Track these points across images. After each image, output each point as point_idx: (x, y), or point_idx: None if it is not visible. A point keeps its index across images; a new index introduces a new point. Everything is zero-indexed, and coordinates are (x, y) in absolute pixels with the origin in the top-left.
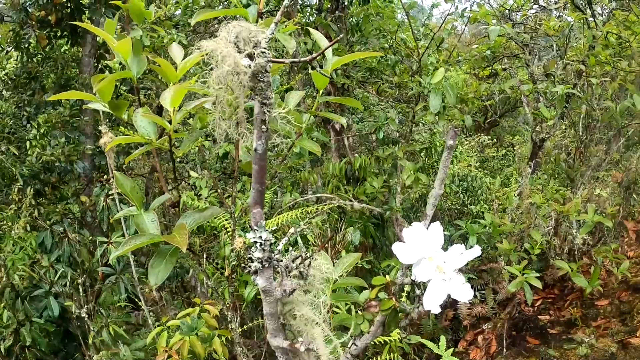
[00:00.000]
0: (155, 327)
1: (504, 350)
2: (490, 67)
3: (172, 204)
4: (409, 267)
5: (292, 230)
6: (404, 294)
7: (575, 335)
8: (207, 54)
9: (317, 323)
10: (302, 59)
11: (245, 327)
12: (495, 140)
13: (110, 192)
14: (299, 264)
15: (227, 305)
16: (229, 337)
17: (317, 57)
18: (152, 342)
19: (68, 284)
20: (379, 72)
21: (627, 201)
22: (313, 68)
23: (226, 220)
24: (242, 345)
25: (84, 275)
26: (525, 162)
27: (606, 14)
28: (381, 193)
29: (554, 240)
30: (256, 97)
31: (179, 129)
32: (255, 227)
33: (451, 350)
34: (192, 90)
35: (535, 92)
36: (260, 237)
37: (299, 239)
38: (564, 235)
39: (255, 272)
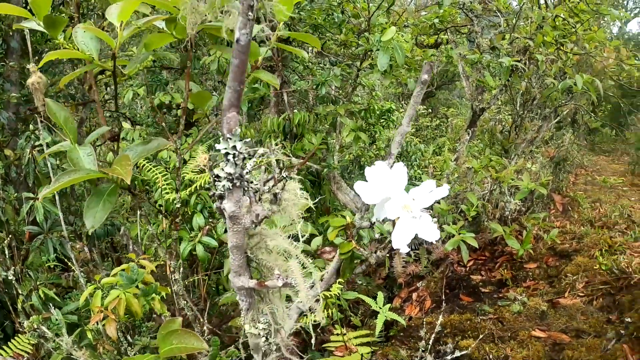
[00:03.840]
0: (88, 289)
1: (443, 303)
2: (437, 36)
3: (112, 137)
4: (368, 209)
5: (261, 150)
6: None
7: (507, 294)
8: None
9: (294, 255)
10: None
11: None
12: (430, 110)
13: (36, 144)
14: (272, 186)
15: (170, 251)
16: (165, 295)
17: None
18: (86, 303)
19: None
20: (324, 29)
21: (557, 176)
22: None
23: (160, 172)
24: (186, 299)
25: (9, 236)
26: (464, 130)
27: None
28: (320, 150)
29: (487, 204)
30: None
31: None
32: (228, 135)
33: (388, 305)
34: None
35: (479, 63)
36: (233, 147)
37: (272, 159)
38: (496, 202)
39: (221, 197)
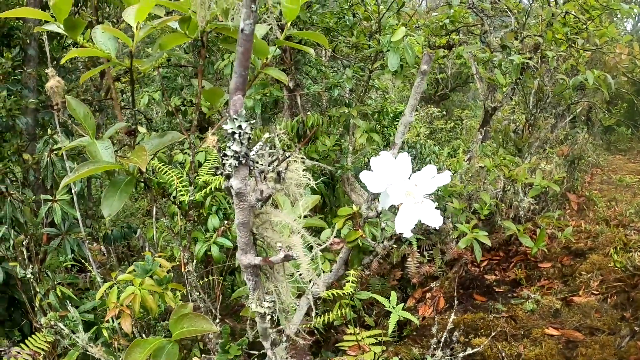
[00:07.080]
0: (104, 285)
1: (456, 302)
2: (448, 36)
3: (128, 132)
4: (374, 199)
5: (266, 135)
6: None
7: (521, 293)
8: None
9: (296, 230)
10: None
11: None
12: (444, 113)
13: (54, 147)
14: (276, 165)
15: (184, 246)
16: (180, 294)
17: None
18: (102, 303)
19: (11, 247)
20: (336, 32)
21: (571, 175)
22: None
23: (175, 175)
24: (199, 290)
25: (28, 238)
26: (476, 129)
27: None
28: (333, 152)
29: (501, 204)
30: None
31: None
32: (234, 116)
33: (401, 305)
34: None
35: (491, 62)
36: (239, 126)
37: (276, 140)
38: (510, 202)
39: (228, 177)
